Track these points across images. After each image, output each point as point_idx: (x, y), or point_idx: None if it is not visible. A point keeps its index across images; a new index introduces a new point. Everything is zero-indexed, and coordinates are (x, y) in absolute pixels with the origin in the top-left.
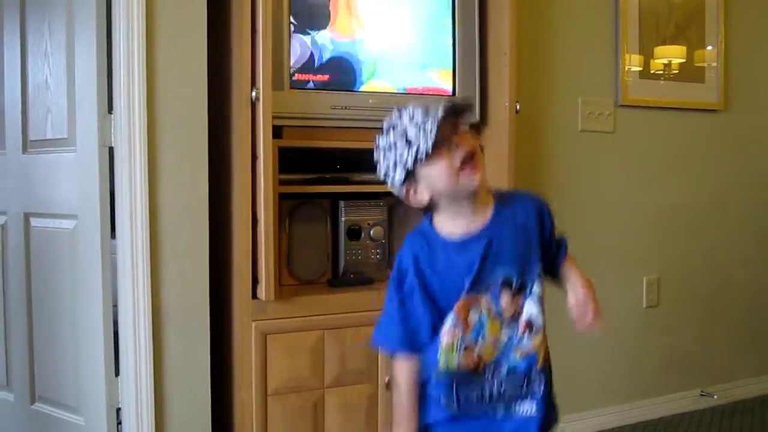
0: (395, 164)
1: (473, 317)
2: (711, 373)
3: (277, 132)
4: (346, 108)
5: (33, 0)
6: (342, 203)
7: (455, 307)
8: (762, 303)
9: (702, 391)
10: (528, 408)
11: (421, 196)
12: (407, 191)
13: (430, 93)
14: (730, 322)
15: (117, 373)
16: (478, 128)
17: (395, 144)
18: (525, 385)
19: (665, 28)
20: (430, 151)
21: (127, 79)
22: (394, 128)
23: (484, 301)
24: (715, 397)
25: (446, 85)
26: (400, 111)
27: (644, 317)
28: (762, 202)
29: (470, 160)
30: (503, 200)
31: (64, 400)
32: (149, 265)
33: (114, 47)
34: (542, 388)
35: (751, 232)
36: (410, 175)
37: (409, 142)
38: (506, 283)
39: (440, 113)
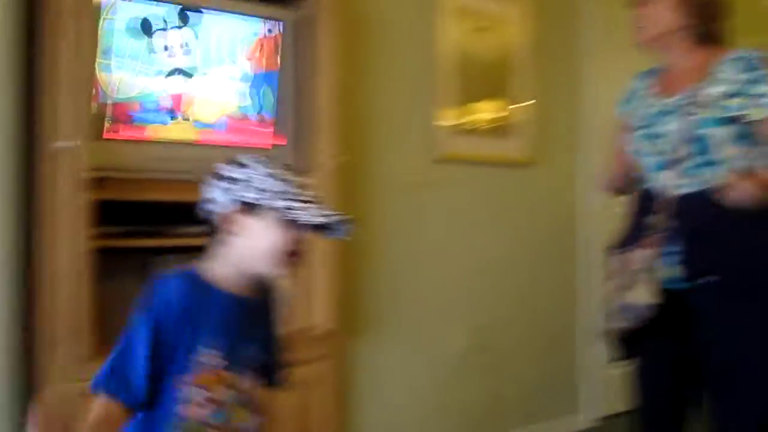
0: (248, 186)
1: (223, 396)
2: None
3: (99, 184)
4: (166, 160)
5: None
6: (160, 257)
7: (202, 380)
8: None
9: None
10: None
11: (234, 230)
12: (232, 215)
13: (251, 146)
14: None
15: None
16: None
17: (271, 175)
18: None
19: (480, 86)
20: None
21: None
22: (271, 176)
23: (237, 380)
24: None
25: (267, 135)
26: (283, 167)
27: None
28: (551, 257)
29: (297, 257)
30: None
31: None
32: None
33: None
34: None
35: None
36: (251, 208)
37: (284, 188)
38: (253, 364)
39: (330, 220)
